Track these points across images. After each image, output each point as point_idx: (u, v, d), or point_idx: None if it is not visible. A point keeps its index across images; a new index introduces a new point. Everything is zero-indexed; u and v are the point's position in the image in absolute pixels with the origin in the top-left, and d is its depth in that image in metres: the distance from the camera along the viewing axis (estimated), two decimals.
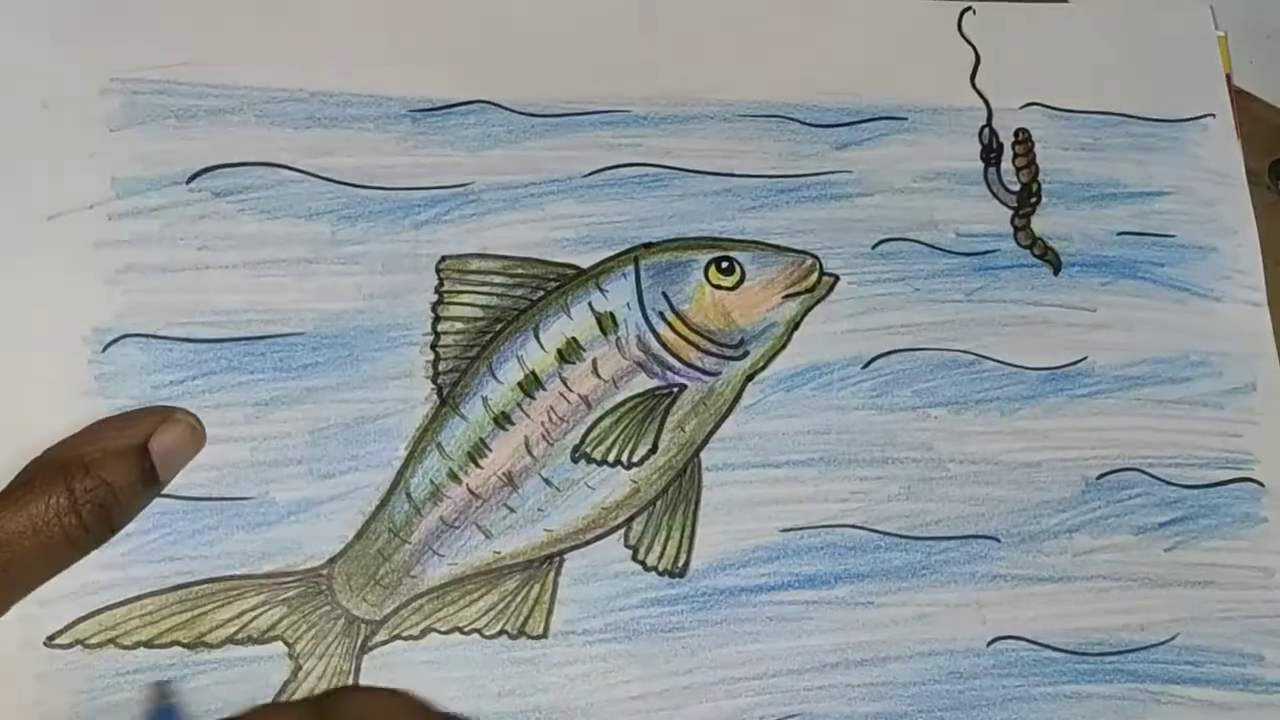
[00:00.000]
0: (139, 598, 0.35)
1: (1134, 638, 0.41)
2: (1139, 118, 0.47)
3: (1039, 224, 0.45)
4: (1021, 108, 0.47)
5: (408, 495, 0.38)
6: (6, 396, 0.35)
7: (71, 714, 0.34)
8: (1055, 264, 0.45)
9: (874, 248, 0.43)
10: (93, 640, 0.35)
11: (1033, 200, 0.46)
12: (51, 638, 0.35)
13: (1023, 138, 0.46)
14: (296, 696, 0.36)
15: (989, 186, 0.46)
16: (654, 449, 0.40)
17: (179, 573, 0.36)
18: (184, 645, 0.35)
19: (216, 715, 0.35)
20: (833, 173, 0.44)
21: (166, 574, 0.36)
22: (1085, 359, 0.44)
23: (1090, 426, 0.43)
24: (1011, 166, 0.46)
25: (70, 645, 0.35)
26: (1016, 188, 0.46)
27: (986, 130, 0.46)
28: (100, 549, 0.34)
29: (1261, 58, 0.51)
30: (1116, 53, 0.48)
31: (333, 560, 0.37)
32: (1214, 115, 0.48)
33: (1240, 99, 0.49)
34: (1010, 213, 0.45)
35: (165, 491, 0.35)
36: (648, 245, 0.41)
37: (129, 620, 0.35)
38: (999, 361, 0.43)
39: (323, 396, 0.38)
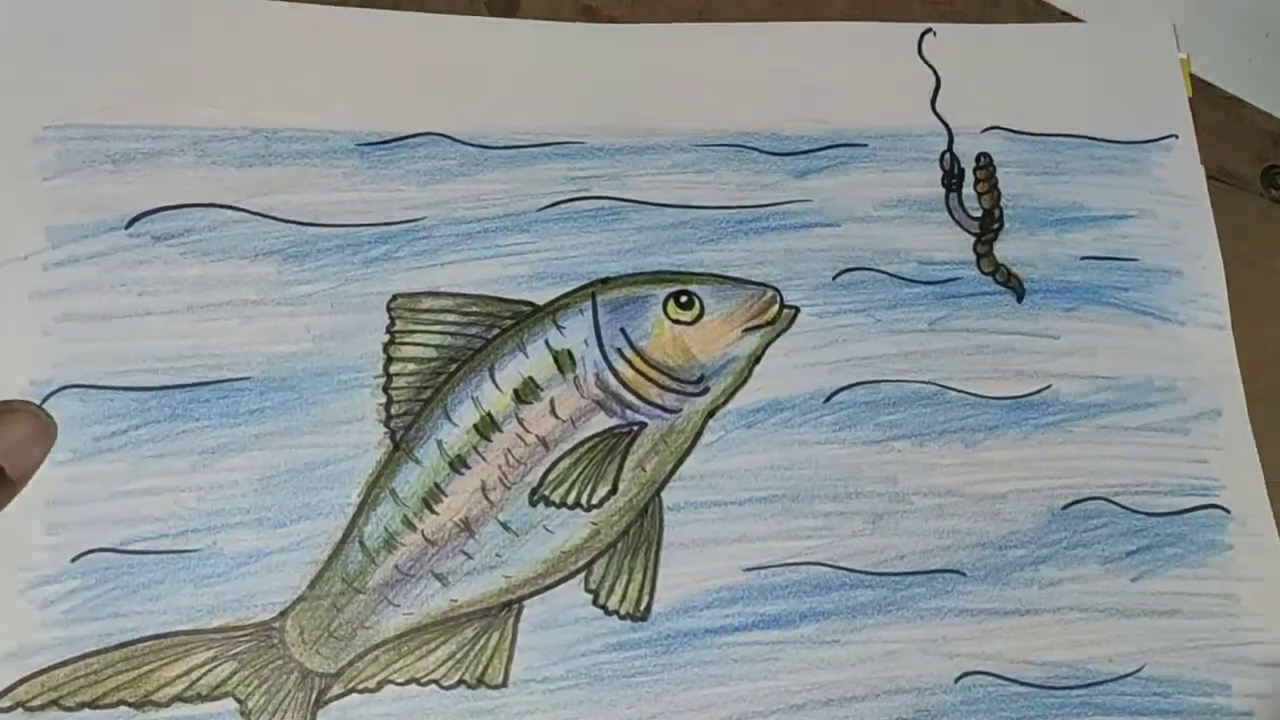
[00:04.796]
0: (82, 657, 0.35)
1: (1102, 669, 0.42)
2: (1101, 140, 0.48)
3: (1001, 250, 0.46)
4: (983, 131, 0.47)
5: (361, 544, 0.38)
6: None
7: None
8: (1018, 291, 0.46)
9: (835, 278, 0.44)
10: (35, 702, 0.35)
11: (995, 226, 0.46)
12: None
13: (984, 162, 0.47)
14: None
15: (951, 213, 0.46)
16: (614, 490, 0.40)
17: (124, 630, 0.36)
18: (130, 705, 0.35)
19: None
20: (792, 202, 0.44)
21: (110, 631, 0.36)
22: (1049, 387, 0.45)
23: (1055, 456, 0.44)
24: (973, 192, 0.47)
25: (12, 709, 0.34)
26: (978, 214, 0.46)
27: (948, 155, 0.47)
28: (41, 608, 0.33)
29: (1261, 57, 0.52)
30: (1078, 74, 0.49)
31: (284, 613, 0.37)
32: (1176, 136, 0.48)
33: (1232, 105, 0.50)
34: (972, 239, 0.46)
35: (108, 545, 0.36)
36: (605, 280, 0.42)
37: (73, 680, 0.35)
38: (962, 392, 0.44)
39: (271, 443, 0.38)
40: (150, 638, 0.36)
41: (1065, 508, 0.43)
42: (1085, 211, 0.47)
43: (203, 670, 0.36)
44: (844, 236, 0.45)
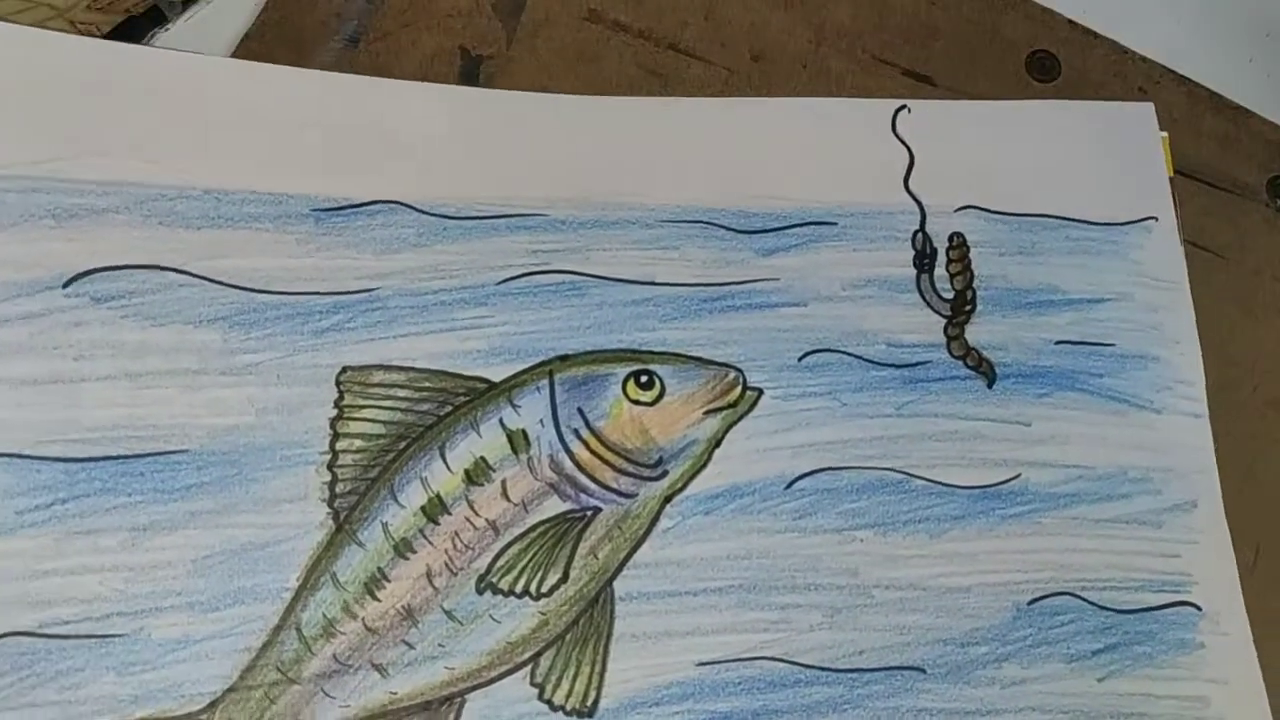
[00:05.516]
0: None
1: None
2: (1079, 221, 0.47)
3: (973, 333, 0.45)
4: (956, 211, 0.46)
5: (298, 631, 0.36)
6: None
7: None
8: (989, 375, 0.44)
9: (800, 359, 0.43)
10: None
11: (967, 308, 0.45)
12: None
13: (957, 243, 0.46)
14: None
15: (921, 294, 0.45)
16: (564, 578, 0.39)
17: None
18: None
19: None
20: (759, 280, 0.43)
21: None
22: (1019, 476, 0.43)
23: (1023, 548, 0.43)
24: (945, 273, 0.46)
25: None
26: (950, 295, 0.45)
27: (920, 235, 0.46)
28: None
29: (1262, 57, 0.52)
30: (1056, 153, 0.48)
31: (214, 704, 0.35)
32: (1156, 218, 0.48)
33: (1239, 114, 0.50)
34: (943, 321, 0.45)
35: (26, 629, 0.34)
36: (563, 358, 0.41)
37: None
38: (929, 480, 0.43)
39: (207, 521, 0.36)
40: None
41: (1031, 603, 0.42)
42: (1061, 294, 0.46)
43: None
44: (810, 316, 0.43)
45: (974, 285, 0.46)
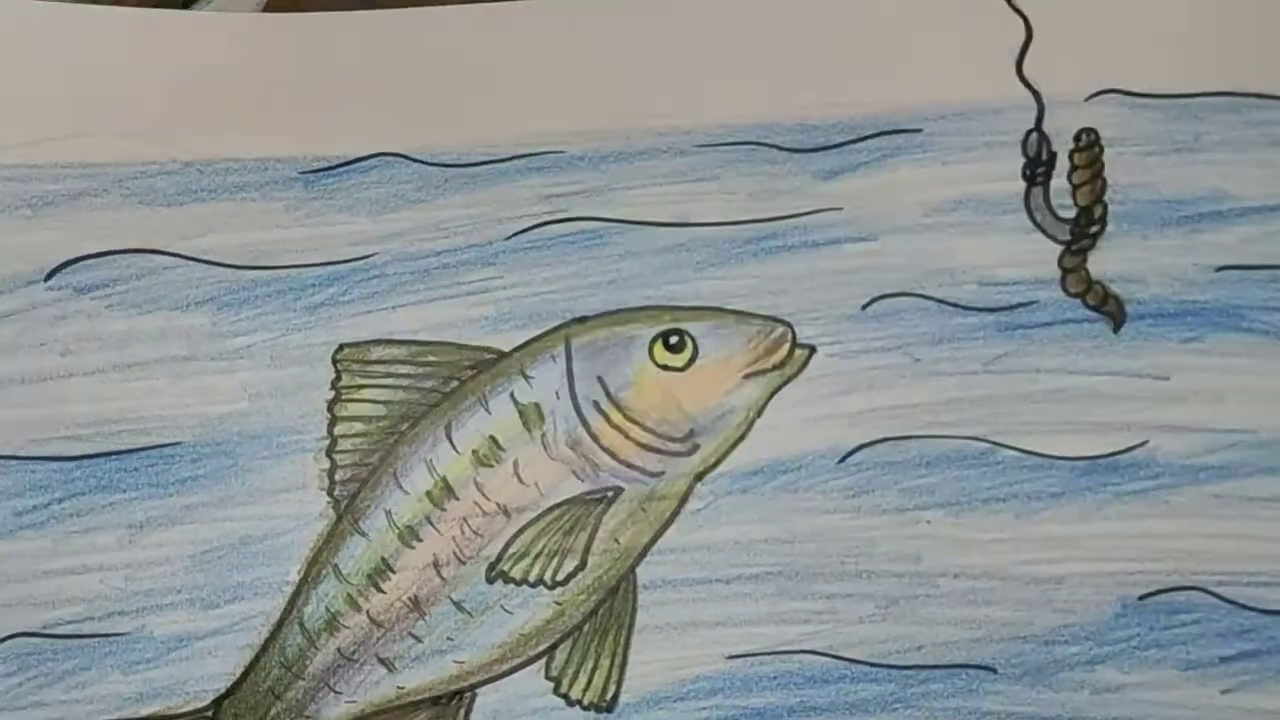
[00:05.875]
0: None
1: None
2: (1264, 95, 0.37)
3: (1099, 262, 0.37)
4: (1088, 99, 0.38)
5: (301, 625, 0.35)
6: None
7: None
8: (1117, 316, 0.37)
9: (864, 308, 0.37)
10: None
11: (1093, 230, 0.37)
12: None
13: (1087, 141, 0.37)
14: None
15: (1031, 215, 0.37)
16: (582, 565, 0.36)
17: None
18: None
19: None
20: (817, 212, 0.37)
21: None
22: (1145, 444, 0.36)
23: (1140, 532, 0.36)
24: (1067, 184, 0.37)
25: None
26: (1071, 213, 0.37)
27: (1034, 135, 0.38)
28: None
29: None
30: (1229, 10, 0.38)
31: (218, 701, 0.35)
32: None
33: None
34: (1059, 250, 0.37)
35: (30, 629, 0.35)
36: (582, 320, 0.37)
37: None
38: (1021, 450, 0.36)
39: (204, 515, 0.36)
40: None
41: (1144, 598, 0.36)
42: (1232, 202, 0.37)
43: None
44: (881, 254, 0.37)
45: (1105, 199, 0.37)
